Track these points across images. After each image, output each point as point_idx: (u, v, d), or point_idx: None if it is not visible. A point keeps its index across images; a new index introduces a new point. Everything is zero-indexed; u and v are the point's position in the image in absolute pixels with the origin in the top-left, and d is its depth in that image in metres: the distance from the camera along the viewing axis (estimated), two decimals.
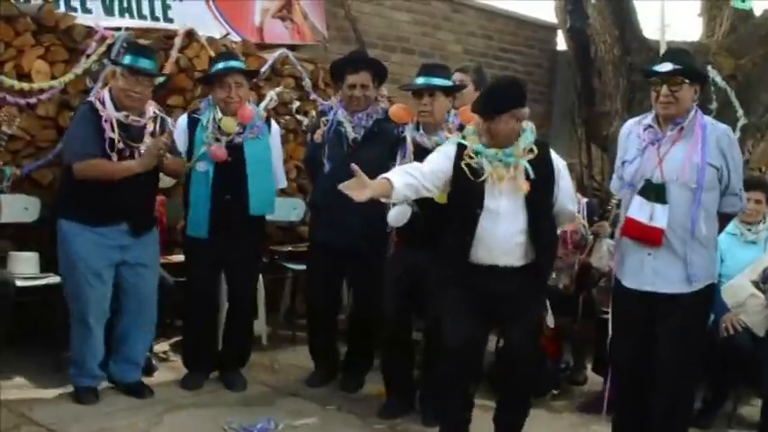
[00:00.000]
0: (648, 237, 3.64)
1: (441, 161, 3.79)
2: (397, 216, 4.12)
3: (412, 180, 3.66)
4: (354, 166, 3.49)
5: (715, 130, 3.67)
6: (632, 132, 3.82)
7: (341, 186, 3.45)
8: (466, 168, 3.72)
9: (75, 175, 4.25)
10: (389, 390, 4.60)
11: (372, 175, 4.64)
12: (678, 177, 3.61)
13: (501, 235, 3.71)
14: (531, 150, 3.73)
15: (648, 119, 3.77)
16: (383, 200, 3.68)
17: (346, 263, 4.93)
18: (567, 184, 3.94)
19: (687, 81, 3.63)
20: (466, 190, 3.74)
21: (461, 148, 3.77)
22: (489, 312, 3.77)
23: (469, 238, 3.72)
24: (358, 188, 3.45)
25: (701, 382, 4.34)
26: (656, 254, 3.66)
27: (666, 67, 3.64)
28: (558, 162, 3.88)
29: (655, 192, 3.63)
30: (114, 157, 4.26)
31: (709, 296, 3.78)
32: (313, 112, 5.96)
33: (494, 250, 3.72)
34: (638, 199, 3.67)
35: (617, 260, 3.87)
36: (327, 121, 4.84)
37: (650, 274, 3.67)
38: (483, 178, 3.70)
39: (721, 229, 3.93)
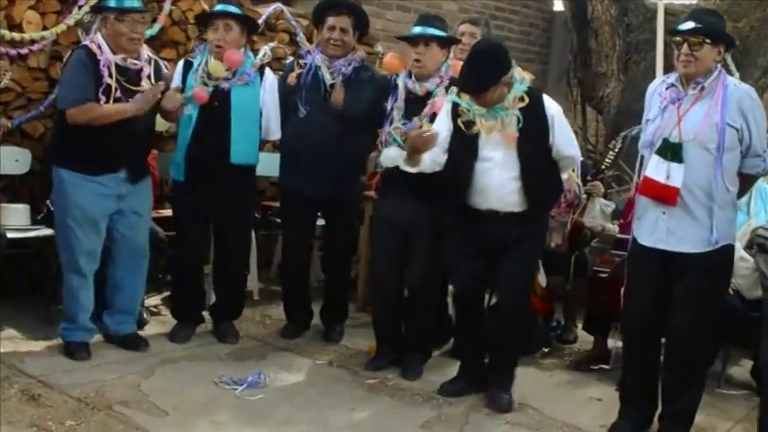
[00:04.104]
0: (664, 195, 3.64)
1: (441, 125, 3.99)
2: (390, 158, 4.17)
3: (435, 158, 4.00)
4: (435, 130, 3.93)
5: (737, 90, 3.65)
6: (656, 91, 3.82)
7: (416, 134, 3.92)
8: (461, 125, 3.91)
9: (68, 121, 4.17)
10: (379, 343, 4.63)
11: (348, 120, 4.60)
12: (696, 137, 3.59)
13: (496, 183, 3.90)
14: (522, 99, 3.81)
15: (672, 78, 3.77)
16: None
17: (318, 211, 4.98)
18: (564, 128, 4.02)
19: (708, 41, 3.61)
20: (463, 143, 3.92)
21: (456, 105, 3.95)
22: (488, 257, 4.02)
23: (467, 188, 3.91)
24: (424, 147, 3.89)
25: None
26: (670, 213, 3.66)
27: (688, 25, 3.64)
28: (553, 108, 3.97)
29: (671, 150, 3.62)
30: (103, 100, 4.16)
31: (727, 257, 3.77)
32: (290, 57, 5.91)
33: (491, 198, 3.91)
34: (655, 158, 3.68)
35: (634, 218, 3.89)
36: (304, 64, 4.79)
37: (664, 232, 3.68)
38: (476, 131, 3.88)
39: (745, 190, 3.91)
